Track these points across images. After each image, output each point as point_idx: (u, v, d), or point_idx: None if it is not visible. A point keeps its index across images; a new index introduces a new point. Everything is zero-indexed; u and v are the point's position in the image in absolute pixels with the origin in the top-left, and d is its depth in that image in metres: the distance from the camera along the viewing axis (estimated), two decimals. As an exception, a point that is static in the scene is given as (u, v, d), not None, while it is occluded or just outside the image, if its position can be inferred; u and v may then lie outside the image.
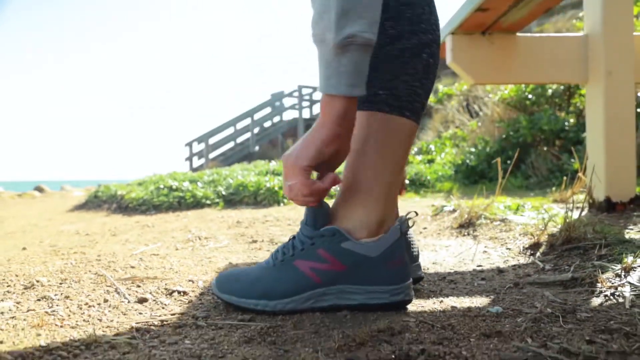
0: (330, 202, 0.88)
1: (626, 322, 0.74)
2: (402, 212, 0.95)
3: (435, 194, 3.50)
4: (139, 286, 1.06)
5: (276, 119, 13.17)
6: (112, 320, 0.82)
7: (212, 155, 12.09)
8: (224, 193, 3.51)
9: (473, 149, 3.96)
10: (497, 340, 0.70)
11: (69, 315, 0.85)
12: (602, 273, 1.01)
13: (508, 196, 2.53)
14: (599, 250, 1.17)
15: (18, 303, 0.92)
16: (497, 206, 1.95)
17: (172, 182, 3.75)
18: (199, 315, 0.85)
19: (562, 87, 3.56)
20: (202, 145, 12.09)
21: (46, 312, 0.85)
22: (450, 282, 1.10)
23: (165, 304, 0.93)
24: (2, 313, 0.85)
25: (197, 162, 12.27)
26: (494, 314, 0.83)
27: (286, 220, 2.41)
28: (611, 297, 0.89)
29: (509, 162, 1.71)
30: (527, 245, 1.39)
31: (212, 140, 12.12)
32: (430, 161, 4.76)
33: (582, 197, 1.47)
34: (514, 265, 1.24)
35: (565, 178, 1.61)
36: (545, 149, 3.40)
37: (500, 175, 1.69)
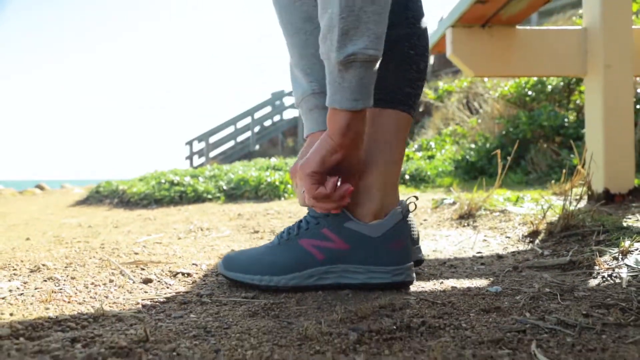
0: None
1: (622, 299, 0.76)
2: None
3: (435, 189, 3.51)
4: (143, 269, 1.08)
5: (276, 117, 13.18)
6: (118, 298, 0.84)
7: (212, 154, 12.10)
8: (225, 188, 3.53)
9: (473, 145, 3.97)
10: (496, 315, 0.71)
11: (76, 293, 0.86)
12: (600, 256, 1.02)
13: (508, 190, 2.55)
14: (597, 236, 1.19)
15: (25, 283, 0.93)
16: (496, 198, 1.97)
17: (174, 177, 3.76)
18: (203, 293, 0.86)
19: (561, 84, 3.58)
20: (203, 144, 12.10)
21: (53, 290, 0.87)
22: (451, 267, 1.12)
23: (170, 284, 0.94)
24: (10, 290, 0.86)
25: (197, 160, 12.28)
26: (493, 293, 0.85)
27: (287, 214, 2.43)
28: (608, 278, 0.91)
29: (508, 158, 1.73)
30: (526, 234, 1.41)
31: (212, 139, 12.14)
32: (431, 157, 4.78)
33: (581, 189, 1.49)
34: (513, 252, 1.25)
35: (564, 171, 1.62)
36: (545, 145, 3.42)
37: (500, 166, 1.71)
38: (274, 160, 4.73)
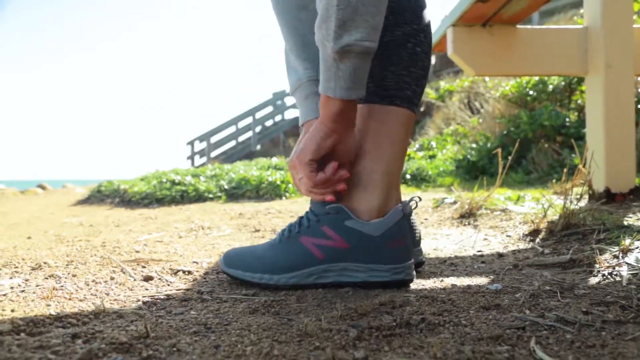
0: None
1: (622, 297, 0.76)
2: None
3: (436, 189, 3.51)
4: (144, 267, 1.08)
5: (278, 117, 13.18)
6: (119, 295, 0.84)
7: (213, 154, 12.11)
8: (226, 187, 3.53)
9: (474, 145, 3.97)
10: (496, 312, 0.72)
11: (77, 290, 0.87)
12: (600, 254, 1.02)
13: (509, 189, 2.55)
14: (597, 235, 1.19)
15: (26, 280, 0.94)
16: (497, 197, 1.97)
17: (175, 176, 3.77)
18: (204, 290, 0.87)
19: (562, 83, 3.58)
20: (204, 144, 12.11)
21: (54, 288, 0.87)
22: (451, 265, 1.12)
23: (171, 282, 0.95)
24: (11, 288, 0.87)
25: (198, 160, 12.29)
26: (494, 290, 0.85)
27: (288, 213, 2.43)
28: (609, 276, 0.91)
29: (509, 158, 1.73)
30: (527, 232, 1.41)
31: (213, 139, 12.15)
32: (432, 157, 4.78)
33: (582, 188, 1.49)
34: (514, 250, 1.25)
35: (565, 170, 1.62)
36: (546, 144, 3.42)
37: (501, 165, 1.71)
38: (275, 160, 4.73)
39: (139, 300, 0.80)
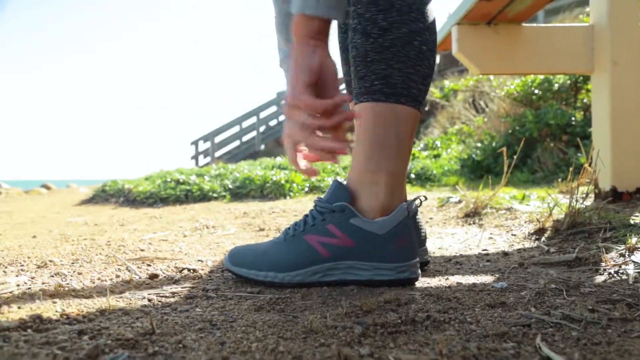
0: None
1: (629, 295, 0.76)
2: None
3: (441, 188, 3.51)
4: (149, 265, 1.08)
5: (282, 117, 13.18)
6: (124, 292, 0.85)
7: (218, 154, 12.13)
8: (230, 186, 3.54)
9: (479, 144, 3.96)
10: (502, 310, 0.71)
11: (83, 288, 0.87)
12: (606, 253, 1.02)
13: (514, 188, 2.54)
14: (603, 234, 1.18)
15: (32, 278, 0.94)
16: (502, 196, 1.96)
17: (179, 175, 3.77)
18: (209, 288, 0.87)
19: (568, 82, 3.56)
20: (208, 144, 12.14)
21: (60, 285, 0.87)
22: (456, 264, 1.11)
23: (176, 280, 0.95)
24: (18, 285, 0.87)
25: (202, 160, 12.31)
26: (499, 289, 0.85)
27: (292, 212, 2.43)
28: (615, 275, 0.90)
29: (514, 157, 1.73)
30: (532, 231, 1.40)
31: (217, 139, 12.17)
32: (436, 156, 4.77)
33: (588, 187, 1.48)
34: (519, 249, 1.25)
35: (571, 169, 1.61)
36: (551, 144, 3.40)
37: (506, 164, 1.70)
38: (279, 160, 4.74)
39: (144, 298, 0.81)
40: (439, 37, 2.04)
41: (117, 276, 0.97)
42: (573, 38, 1.86)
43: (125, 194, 3.81)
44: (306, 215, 0.90)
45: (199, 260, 1.14)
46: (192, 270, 1.03)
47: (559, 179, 2.72)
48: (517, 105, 3.89)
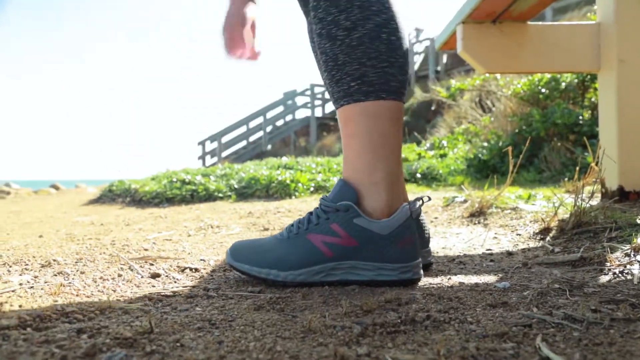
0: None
1: (633, 295, 0.75)
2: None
3: (447, 188, 3.49)
4: (151, 264, 1.09)
5: (289, 117, 13.20)
6: (125, 292, 0.85)
7: (224, 154, 12.17)
8: (236, 186, 3.54)
9: (485, 144, 3.94)
10: (503, 310, 0.71)
11: (84, 287, 0.87)
12: (611, 253, 1.01)
13: (520, 188, 2.52)
14: (609, 233, 1.17)
15: (35, 277, 0.95)
16: (508, 196, 1.95)
17: (185, 176, 3.79)
18: (210, 287, 0.87)
19: (575, 81, 3.53)
20: (215, 144, 12.18)
21: (62, 284, 0.88)
22: (459, 264, 1.11)
23: (178, 279, 0.95)
24: (20, 284, 0.88)
25: (209, 160, 12.35)
26: (501, 288, 0.84)
27: (297, 212, 2.43)
28: (620, 275, 0.89)
29: (521, 156, 1.71)
30: (537, 231, 1.39)
31: (224, 139, 12.21)
32: (443, 156, 4.75)
33: (594, 187, 1.47)
34: (524, 249, 1.24)
35: (577, 169, 1.60)
36: (558, 143, 3.38)
37: (512, 163, 1.69)
38: (285, 160, 4.74)
39: (145, 297, 0.81)
40: (444, 36, 2.03)
41: (120, 275, 0.97)
42: (579, 36, 1.84)
43: (132, 194, 3.83)
44: (310, 214, 0.90)
45: (201, 260, 1.14)
46: (194, 270, 1.03)
47: (566, 179, 2.70)
48: (524, 104, 3.87)
